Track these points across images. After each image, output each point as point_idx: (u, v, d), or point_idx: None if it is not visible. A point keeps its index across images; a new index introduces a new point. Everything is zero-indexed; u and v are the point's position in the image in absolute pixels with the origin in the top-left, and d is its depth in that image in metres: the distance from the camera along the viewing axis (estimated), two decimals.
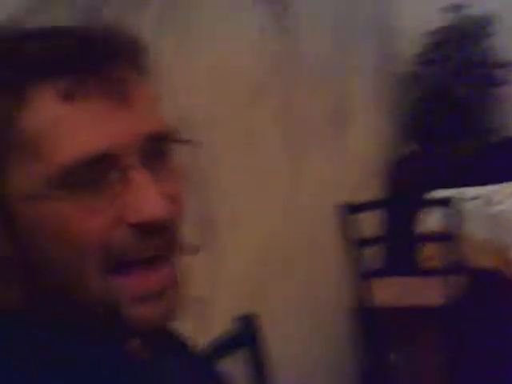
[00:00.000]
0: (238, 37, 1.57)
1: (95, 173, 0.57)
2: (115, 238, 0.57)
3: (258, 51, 1.70)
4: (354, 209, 2.47)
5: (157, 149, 0.60)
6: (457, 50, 3.04)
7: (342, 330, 2.45)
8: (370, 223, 2.64)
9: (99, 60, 0.57)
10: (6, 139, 0.57)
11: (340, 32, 2.39)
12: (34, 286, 0.60)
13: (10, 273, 0.59)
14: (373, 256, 2.67)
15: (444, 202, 2.46)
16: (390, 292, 2.54)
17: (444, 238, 2.44)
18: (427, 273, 2.60)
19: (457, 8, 3.06)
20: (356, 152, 2.54)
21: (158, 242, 0.59)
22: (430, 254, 2.58)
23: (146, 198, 0.57)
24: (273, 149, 1.75)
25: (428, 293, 2.46)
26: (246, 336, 1.44)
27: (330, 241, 2.37)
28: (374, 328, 2.53)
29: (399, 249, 2.82)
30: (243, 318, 1.45)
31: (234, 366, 1.43)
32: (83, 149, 0.56)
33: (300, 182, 2.00)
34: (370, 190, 2.72)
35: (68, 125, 0.57)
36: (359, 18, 2.62)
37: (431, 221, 2.59)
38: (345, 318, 2.49)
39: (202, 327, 1.33)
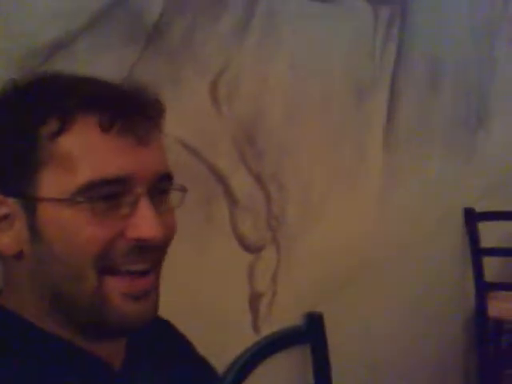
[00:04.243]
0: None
1: (113, 192, 0.71)
2: (115, 247, 0.71)
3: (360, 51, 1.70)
4: (479, 217, 2.39)
5: (161, 186, 0.76)
6: None
7: (453, 338, 2.37)
8: (497, 233, 2.52)
9: (133, 107, 0.73)
10: (47, 151, 0.70)
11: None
12: (37, 278, 0.72)
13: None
14: (500, 269, 2.56)
15: None
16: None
17: None
18: None
19: None
20: (485, 157, 2.43)
21: (148, 257, 0.73)
22: None
23: (146, 221, 0.71)
24: (368, 145, 1.73)
25: None
26: (310, 332, 1.48)
27: (448, 245, 2.30)
28: (486, 342, 2.43)
29: None
30: (310, 315, 1.48)
31: (295, 360, 1.48)
32: (110, 170, 0.70)
33: (409, 181, 1.97)
34: (497, 199, 2.58)
35: (101, 149, 0.71)
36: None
37: None
38: (459, 326, 2.41)
39: (264, 322, 1.39)
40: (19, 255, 0.72)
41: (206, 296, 1.24)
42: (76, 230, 0.69)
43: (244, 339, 1.34)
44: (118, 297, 0.71)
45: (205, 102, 1.21)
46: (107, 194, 0.70)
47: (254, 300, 1.35)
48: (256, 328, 1.36)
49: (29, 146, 0.70)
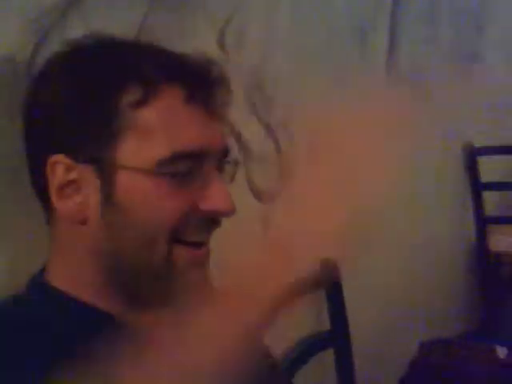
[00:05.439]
0: None
1: (191, 164, 0.71)
2: (188, 218, 0.72)
3: None
4: (479, 151, 2.39)
5: (224, 160, 0.77)
6: None
7: (456, 272, 2.41)
8: (498, 168, 2.53)
9: (211, 79, 0.74)
10: (128, 119, 0.70)
11: None
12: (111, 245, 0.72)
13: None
14: (500, 203, 2.58)
15: None
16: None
17: None
18: None
19: None
20: (483, 90, 2.41)
21: (212, 229, 0.75)
22: None
23: (220, 194, 0.73)
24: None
25: None
26: (326, 279, 1.48)
27: (450, 182, 2.31)
28: (489, 274, 2.48)
29: None
30: (324, 262, 1.49)
31: (311, 305, 1.50)
32: (192, 143, 0.71)
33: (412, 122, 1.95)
34: (503, 133, 2.58)
35: (183, 122, 0.71)
36: None
37: None
38: (462, 260, 2.44)
39: None
40: (83, 220, 0.71)
41: (222, 249, 1.23)
42: (157, 200, 0.70)
43: None
44: (183, 264, 0.72)
45: (213, 51, 1.18)
46: (186, 166, 0.71)
47: None
48: None
49: (109, 113, 0.69)
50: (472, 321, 2.47)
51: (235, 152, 0.79)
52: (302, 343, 1.47)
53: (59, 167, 0.71)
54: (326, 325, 1.50)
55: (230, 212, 0.74)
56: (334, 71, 1.49)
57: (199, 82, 0.72)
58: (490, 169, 2.45)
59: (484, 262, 2.46)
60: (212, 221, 0.74)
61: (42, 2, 0.90)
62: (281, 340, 1.44)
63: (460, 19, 2.22)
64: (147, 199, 0.70)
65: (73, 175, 0.71)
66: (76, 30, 0.91)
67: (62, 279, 0.74)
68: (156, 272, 0.72)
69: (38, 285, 0.75)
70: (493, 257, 2.48)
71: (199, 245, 0.74)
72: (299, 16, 1.36)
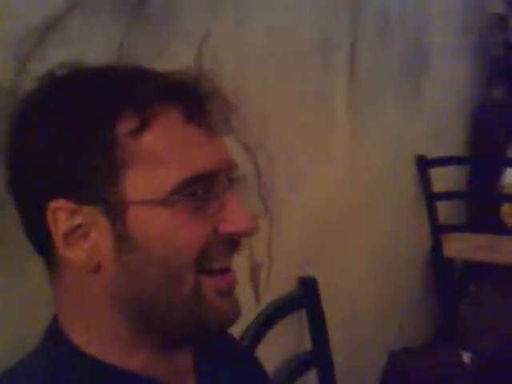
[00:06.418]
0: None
1: (203, 186, 0.66)
2: (211, 245, 0.66)
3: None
4: (430, 163, 2.44)
5: (232, 176, 0.70)
6: None
7: (414, 281, 2.46)
8: (446, 177, 2.60)
9: (208, 96, 0.68)
10: (129, 150, 0.63)
11: None
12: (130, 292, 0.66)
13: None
14: (449, 211, 2.65)
15: None
16: (464, 246, 2.52)
17: None
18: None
19: None
20: (429, 103, 2.47)
21: (234, 252, 0.69)
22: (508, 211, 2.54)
23: (239, 214, 0.67)
24: (336, 103, 1.74)
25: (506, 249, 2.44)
26: (305, 297, 1.47)
27: (403, 193, 2.36)
28: (445, 280, 2.54)
29: (479, 205, 2.78)
30: (303, 280, 1.48)
31: (293, 326, 1.48)
32: (203, 164, 0.65)
33: (370, 135, 1.99)
34: (448, 142, 2.65)
35: (188, 143, 0.66)
36: None
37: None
38: (418, 269, 2.49)
39: (264, 291, 1.37)
40: (96, 268, 0.65)
41: None
42: (176, 231, 0.64)
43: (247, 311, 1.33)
44: (212, 295, 0.67)
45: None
46: (199, 189, 0.65)
47: (254, 271, 1.33)
48: (257, 298, 1.35)
49: (107, 146, 0.63)
50: (432, 327, 2.52)
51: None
52: (285, 366, 1.45)
53: (61, 213, 0.64)
54: (307, 345, 1.49)
55: (253, 231, 0.68)
56: (303, 90, 1.50)
57: (195, 100, 0.67)
58: (441, 179, 2.52)
59: (439, 268, 2.53)
60: (234, 243, 0.69)
61: (20, 26, 0.86)
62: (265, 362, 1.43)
63: (410, 33, 2.28)
64: (165, 231, 0.64)
65: (78, 220, 0.64)
66: (55, 52, 0.88)
67: (90, 343, 0.68)
68: (186, 308, 0.66)
69: (69, 353, 0.68)
70: (447, 263, 2.56)
71: (225, 271, 0.69)
72: (269, 35, 1.36)
